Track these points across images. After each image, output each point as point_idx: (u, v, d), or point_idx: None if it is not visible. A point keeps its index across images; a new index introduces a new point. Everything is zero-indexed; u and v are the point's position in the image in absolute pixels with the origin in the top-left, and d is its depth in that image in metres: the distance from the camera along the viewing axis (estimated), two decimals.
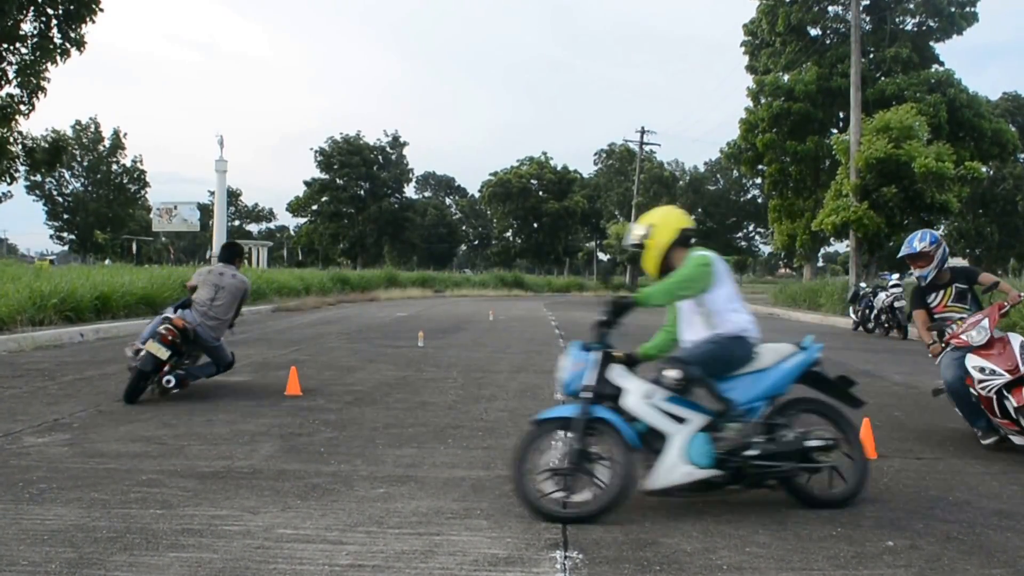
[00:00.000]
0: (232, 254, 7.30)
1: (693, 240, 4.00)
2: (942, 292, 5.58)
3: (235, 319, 7.19)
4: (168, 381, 6.43)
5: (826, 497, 3.85)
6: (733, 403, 3.69)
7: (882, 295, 15.70)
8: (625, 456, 3.55)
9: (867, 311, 16.43)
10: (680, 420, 3.63)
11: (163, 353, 6.33)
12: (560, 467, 3.59)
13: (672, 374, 3.61)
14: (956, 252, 61.35)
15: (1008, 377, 4.82)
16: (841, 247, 46.82)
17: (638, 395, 3.65)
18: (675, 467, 3.58)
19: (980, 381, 4.93)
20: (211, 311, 6.82)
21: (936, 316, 5.55)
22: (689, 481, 3.60)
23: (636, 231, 4.00)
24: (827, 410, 3.98)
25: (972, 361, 5.01)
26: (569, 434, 3.62)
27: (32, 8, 18.46)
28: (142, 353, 6.39)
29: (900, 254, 5.73)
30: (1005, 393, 4.85)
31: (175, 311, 6.81)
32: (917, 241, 5.55)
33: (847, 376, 4.10)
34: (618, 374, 3.77)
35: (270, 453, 4.76)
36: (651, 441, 3.65)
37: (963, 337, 5.11)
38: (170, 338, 6.38)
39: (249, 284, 7.32)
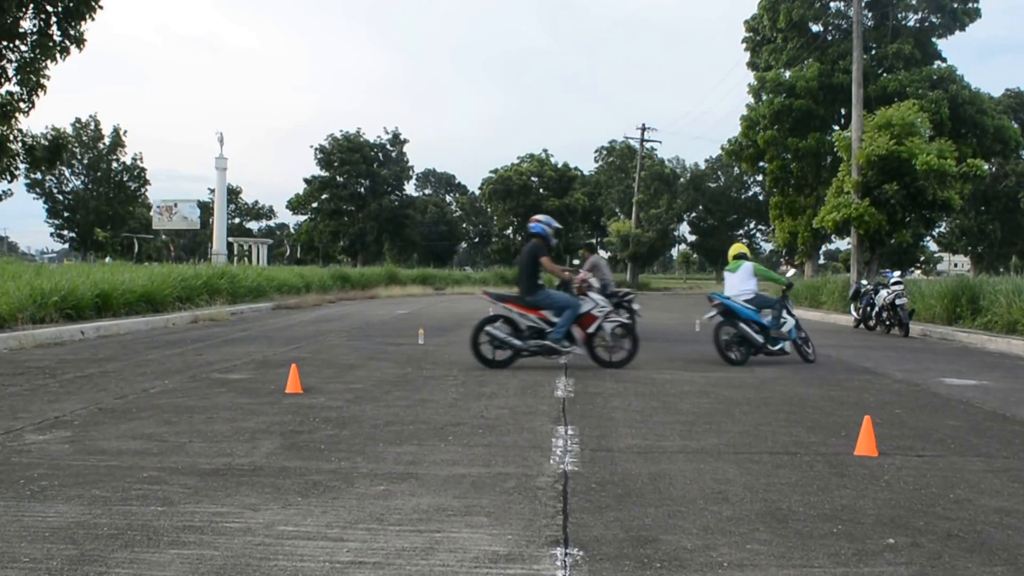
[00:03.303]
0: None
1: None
2: None
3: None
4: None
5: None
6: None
7: (883, 292, 15.68)
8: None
9: (868, 308, 16.42)
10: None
11: None
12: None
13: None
14: (958, 250, 61.34)
15: None
16: (842, 244, 46.70)
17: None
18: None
19: None
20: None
21: None
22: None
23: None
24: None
25: None
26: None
27: (32, 5, 18.44)
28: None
29: None
30: None
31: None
32: None
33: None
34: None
35: (271, 450, 4.76)
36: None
37: None
38: None
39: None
